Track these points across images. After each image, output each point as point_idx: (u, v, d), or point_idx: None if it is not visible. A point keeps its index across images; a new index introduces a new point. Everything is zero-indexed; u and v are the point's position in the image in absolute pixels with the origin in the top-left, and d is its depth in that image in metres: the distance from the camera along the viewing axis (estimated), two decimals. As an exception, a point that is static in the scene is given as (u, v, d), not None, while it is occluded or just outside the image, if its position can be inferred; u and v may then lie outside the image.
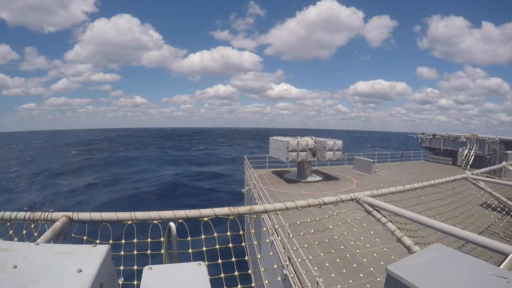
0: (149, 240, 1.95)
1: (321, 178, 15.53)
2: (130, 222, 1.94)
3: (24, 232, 1.87)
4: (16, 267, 0.96)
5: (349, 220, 2.55)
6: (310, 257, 2.45)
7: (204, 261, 1.47)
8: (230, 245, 2.10)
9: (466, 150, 19.98)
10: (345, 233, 2.48)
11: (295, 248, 4.74)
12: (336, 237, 2.48)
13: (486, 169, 4.89)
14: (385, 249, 2.35)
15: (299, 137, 15.91)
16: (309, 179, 15.12)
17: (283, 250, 4.95)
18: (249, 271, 2.14)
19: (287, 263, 5.01)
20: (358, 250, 2.43)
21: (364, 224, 2.51)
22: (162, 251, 1.87)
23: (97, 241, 1.78)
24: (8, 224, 1.93)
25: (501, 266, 1.40)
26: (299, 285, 4.75)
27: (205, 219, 2.05)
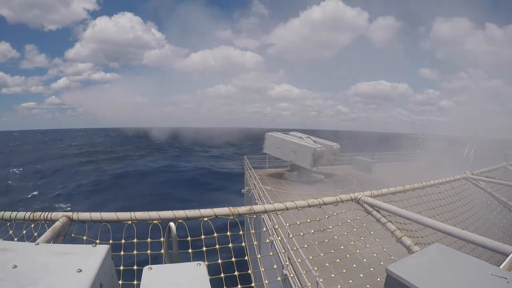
0: (149, 240, 1.95)
1: (321, 178, 15.52)
2: (130, 222, 1.94)
3: (24, 232, 1.87)
4: (16, 267, 0.96)
5: (349, 220, 2.55)
6: (310, 257, 2.45)
7: (204, 261, 1.47)
8: (230, 245, 2.09)
9: (466, 150, 19.98)
10: (345, 233, 2.48)
11: (295, 248, 4.73)
12: (336, 237, 2.48)
13: (486, 169, 4.89)
14: (385, 249, 2.34)
15: (303, 137, 15.81)
16: (309, 179, 15.11)
17: (283, 250, 4.95)
18: (249, 271, 2.13)
19: (287, 263, 5.00)
20: (358, 250, 2.43)
21: (364, 224, 2.51)
22: (162, 251, 1.87)
23: (97, 241, 1.78)
24: (8, 224, 1.93)
25: (501, 266, 1.40)
26: (299, 285, 4.75)
27: (205, 219, 2.05)
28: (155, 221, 1.95)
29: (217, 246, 2.04)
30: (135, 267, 1.79)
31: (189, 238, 2.01)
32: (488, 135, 21.02)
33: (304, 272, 3.35)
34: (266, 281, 2.38)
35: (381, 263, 2.10)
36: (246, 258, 2.17)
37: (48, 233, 1.69)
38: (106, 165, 39.05)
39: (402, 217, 2.39)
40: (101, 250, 1.10)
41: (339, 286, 2.22)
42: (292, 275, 4.95)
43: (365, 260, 2.34)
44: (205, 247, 1.99)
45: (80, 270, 0.96)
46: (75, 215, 1.91)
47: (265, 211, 2.28)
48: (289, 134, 16.51)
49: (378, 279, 2.06)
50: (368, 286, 2.17)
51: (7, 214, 1.93)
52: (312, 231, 2.36)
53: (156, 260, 1.57)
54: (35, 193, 25.65)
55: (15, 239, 1.78)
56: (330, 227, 2.43)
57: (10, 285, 0.88)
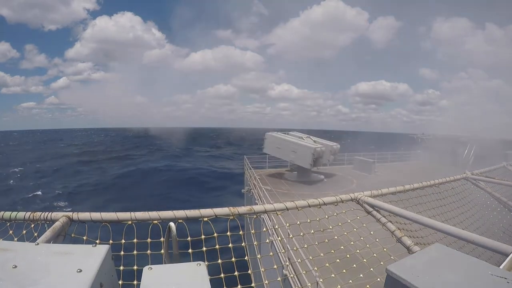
0: (149, 240, 1.95)
1: (321, 178, 15.51)
2: (130, 222, 1.94)
3: (24, 232, 1.87)
4: (16, 267, 0.96)
5: (349, 220, 2.55)
6: (310, 257, 2.45)
7: (204, 261, 1.47)
8: (230, 245, 2.09)
9: (466, 150, 19.98)
10: (345, 233, 2.48)
11: (295, 248, 4.74)
12: (336, 237, 2.48)
13: (486, 169, 4.88)
14: (385, 250, 2.34)
15: (303, 137, 15.79)
16: (309, 179, 15.10)
17: (283, 250, 4.95)
18: (249, 271, 2.13)
19: (287, 263, 5.00)
20: (358, 250, 2.43)
21: (364, 224, 2.51)
22: (162, 251, 1.87)
23: (97, 241, 1.78)
24: (8, 224, 1.93)
25: (501, 266, 1.40)
26: (299, 285, 4.74)
27: (205, 219, 2.05)
28: (155, 221, 1.95)
29: (217, 246, 2.04)
30: (135, 267, 1.79)
31: (189, 238, 2.01)
32: (488, 135, 21.03)
33: (304, 272, 3.35)
34: (266, 281, 2.38)
35: (381, 263, 2.10)
36: (246, 258, 2.17)
37: (48, 233, 1.69)
38: (106, 165, 38.99)
39: (402, 217, 2.38)
40: (101, 250, 1.10)
41: (339, 286, 2.22)
42: (292, 275, 4.94)
43: (365, 260, 2.34)
44: (205, 247, 1.99)
45: (80, 270, 0.96)
46: (75, 215, 1.91)
47: (265, 211, 2.28)
48: (289, 134, 16.51)
49: (378, 279, 2.07)
50: (368, 286, 2.17)
51: (7, 214, 1.93)
52: (312, 231, 2.36)
53: (156, 260, 1.57)
54: (35, 192, 25.64)
55: (15, 239, 1.78)
56: (330, 227, 2.43)
57: (10, 285, 0.88)
